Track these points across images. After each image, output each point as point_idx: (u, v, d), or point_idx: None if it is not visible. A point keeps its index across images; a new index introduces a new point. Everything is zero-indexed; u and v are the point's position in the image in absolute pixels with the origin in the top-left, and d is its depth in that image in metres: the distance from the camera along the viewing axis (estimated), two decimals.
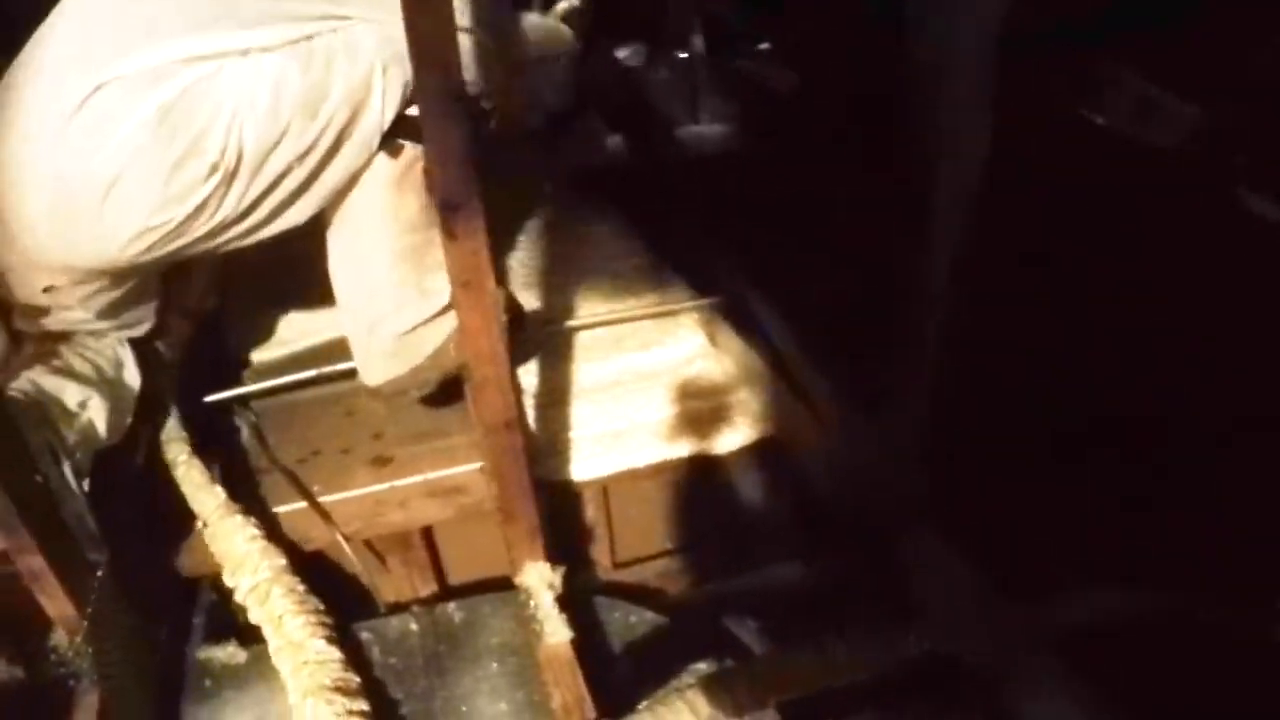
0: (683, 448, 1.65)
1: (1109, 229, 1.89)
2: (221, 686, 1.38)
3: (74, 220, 1.30)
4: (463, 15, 1.35)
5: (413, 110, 1.37)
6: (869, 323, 1.36)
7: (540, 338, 1.80)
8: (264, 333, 1.83)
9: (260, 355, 1.80)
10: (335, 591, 1.43)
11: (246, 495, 1.50)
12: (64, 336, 1.46)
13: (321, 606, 1.34)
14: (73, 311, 1.43)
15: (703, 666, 1.38)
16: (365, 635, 1.44)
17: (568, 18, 1.82)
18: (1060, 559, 1.41)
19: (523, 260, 1.97)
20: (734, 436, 1.67)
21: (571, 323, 1.87)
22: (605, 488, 1.67)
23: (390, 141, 1.40)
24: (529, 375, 1.72)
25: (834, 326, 1.75)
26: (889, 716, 1.30)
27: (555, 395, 1.72)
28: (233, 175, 1.31)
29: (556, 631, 1.36)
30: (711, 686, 1.22)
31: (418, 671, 1.40)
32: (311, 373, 1.73)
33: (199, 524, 1.43)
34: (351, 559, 1.51)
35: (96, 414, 1.39)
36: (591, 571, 1.73)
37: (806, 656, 1.32)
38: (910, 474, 1.45)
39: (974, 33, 1.06)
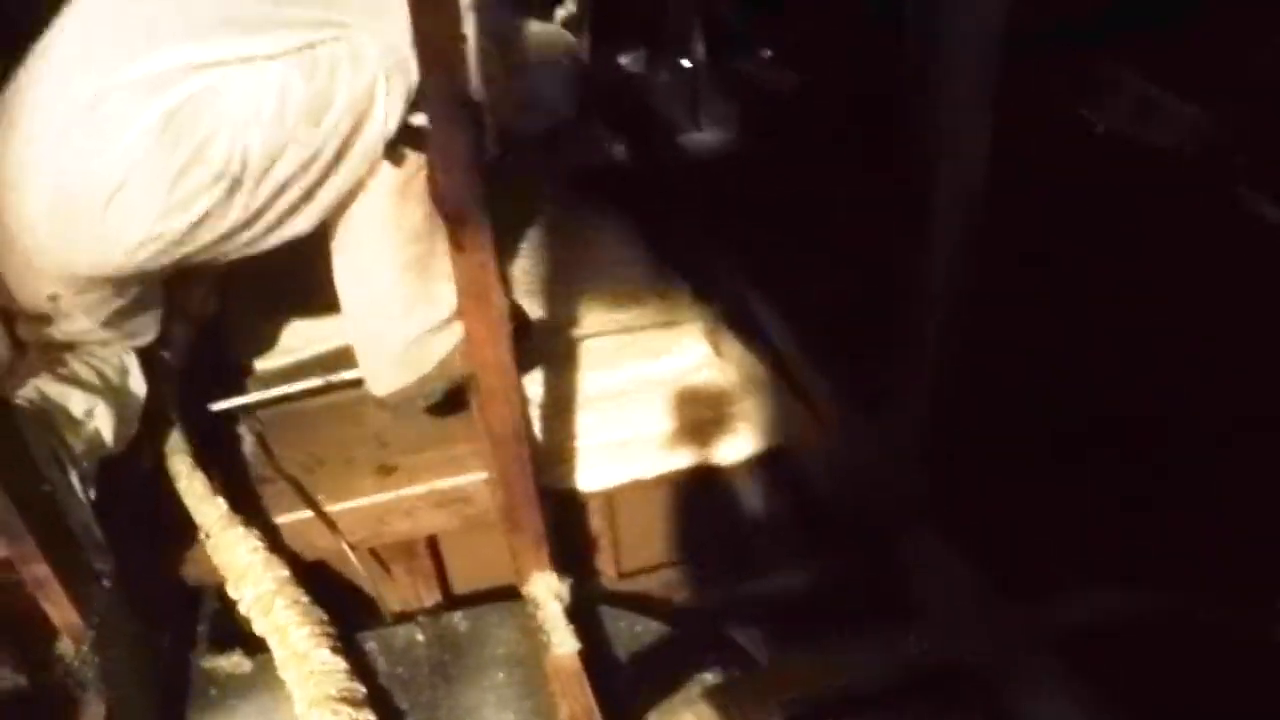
0: (688, 457, 1.64)
1: (1109, 229, 1.90)
2: (227, 695, 1.38)
3: (76, 225, 1.30)
4: (467, 20, 1.35)
5: (416, 119, 1.37)
6: (869, 323, 1.36)
7: (544, 346, 1.79)
8: (268, 340, 1.83)
9: (264, 363, 1.80)
10: (340, 601, 1.43)
11: (251, 504, 1.50)
12: (69, 344, 1.46)
13: (325, 617, 1.34)
14: (76, 321, 1.42)
15: (709, 676, 1.37)
16: (371, 645, 1.44)
17: (568, 24, 1.82)
18: (1060, 559, 1.41)
19: (525, 268, 1.96)
20: (740, 446, 1.66)
21: (576, 331, 1.86)
22: (611, 497, 1.66)
23: (394, 150, 1.39)
24: (534, 384, 1.72)
25: (834, 326, 1.76)
26: (889, 717, 1.30)
27: (560, 404, 1.71)
28: (237, 183, 1.31)
29: (564, 642, 1.35)
30: (717, 697, 1.23)
31: (424, 681, 1.40)
32: (316, 381, 1.72)
33: (202, 535, 1.43)
34: (357, 568, 1.51)
35: (102, 421, 1.39)
36: (596, 581, 1.72)
37: (810, 662, 1.33)
38: (910, 474, 1.45)
39: (975, 33, 1.05)
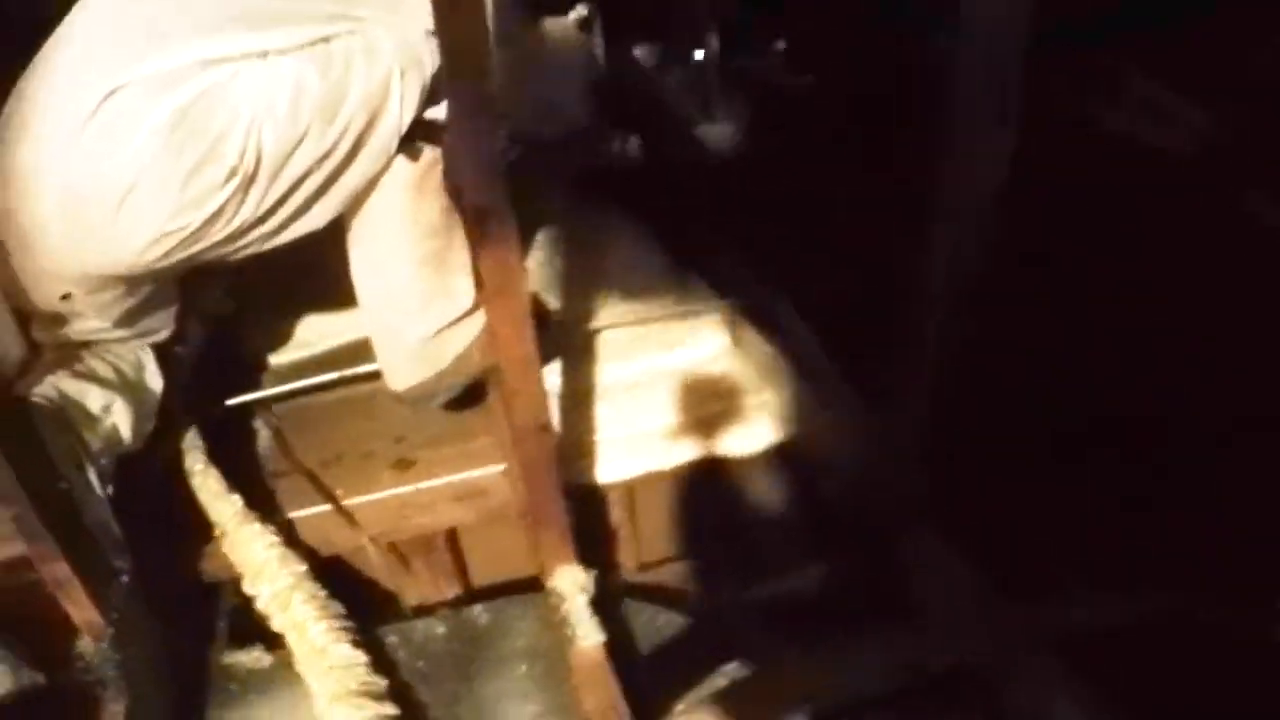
0: (707, 449, 1.63)
1: (1109, 229, 1.90)
2: (247, 691, 1.38)
3: (88, 225, 1.29)
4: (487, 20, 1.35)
5: (431, 113, 1.37)
6: (869, 323, 1.37)
7: (560, 339, 1.78)
8: (283, 335, 1.81)
9: (280, 358, 1.79)
10: (359, 595, 1.44)
11: (268, 499, 1.50)
12: (85, 342, 1.45)
13: (344, 611, 1.35)
14: (90, 320, 1.42)
15: (731, 668, 1.37)
16: (392, 639, 1.44)
17: (582, 24, 1.81)
18: (1060, 559, 1.42)
19: (541, 261, 1.94)
20: (758, 437, 1.65)
21: (592, 324, 1.84)
22: (631, 489, 1.66)
23: (408, 145, 1.39)
24: (552, 376, 1.70)
25: (834, 326, 1.76)
26: (889, 717, 1.31)
27: (579, 397, 1.70)
28: (251, 179, 1.30)
29: (590, 635, 1.36)
30: (735, 695, 1.24)
31: (445, 674, 1.40)
32: (333, 375, 1.71)
33: (217, 532, 1.43)
34: (375, 563, 1.51)
35: (120, 418, 1.39)
36: (617, 573, 1.72)
37: (811, 663, 1.34)
38: (910, 474, 1.46)
39: (996, 41, 1.05)
